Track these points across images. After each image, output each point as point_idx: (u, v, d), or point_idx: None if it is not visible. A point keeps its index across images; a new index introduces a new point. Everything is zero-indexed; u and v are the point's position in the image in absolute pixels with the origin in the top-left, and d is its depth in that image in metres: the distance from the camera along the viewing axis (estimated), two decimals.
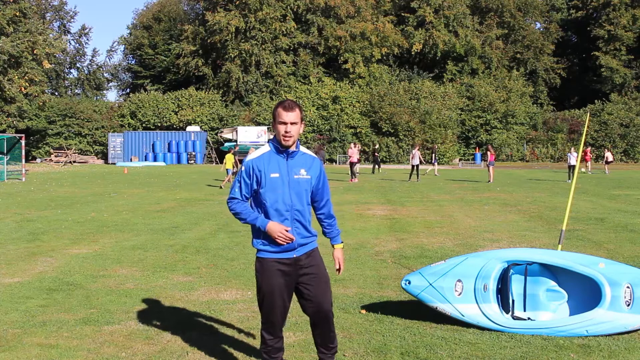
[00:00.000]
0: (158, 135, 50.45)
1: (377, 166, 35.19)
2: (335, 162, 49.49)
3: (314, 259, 3.82)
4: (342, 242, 4.04)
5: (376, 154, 35.89)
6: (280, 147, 3.72)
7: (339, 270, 3.99)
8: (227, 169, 23.23)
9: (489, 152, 26.63)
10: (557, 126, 54.64)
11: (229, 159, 23.34)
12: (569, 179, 26.41)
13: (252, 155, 3.81)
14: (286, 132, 3.64)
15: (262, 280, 3.76)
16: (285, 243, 3.67)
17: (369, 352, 4.66)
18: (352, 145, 27.87)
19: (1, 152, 28.24)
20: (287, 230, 3.66)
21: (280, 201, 3.69)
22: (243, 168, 3.78)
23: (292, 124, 3.64)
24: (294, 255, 3.73)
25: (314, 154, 3.92)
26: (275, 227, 3.65)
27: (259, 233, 3.75)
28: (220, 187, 22.08)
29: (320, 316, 3.82)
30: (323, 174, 3.90)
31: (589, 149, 36.75)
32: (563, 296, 5.35)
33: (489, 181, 25.50)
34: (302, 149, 3.85)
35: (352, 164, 25.99)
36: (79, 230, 10.98)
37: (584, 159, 34.51)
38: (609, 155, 34.60)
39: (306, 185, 3.76)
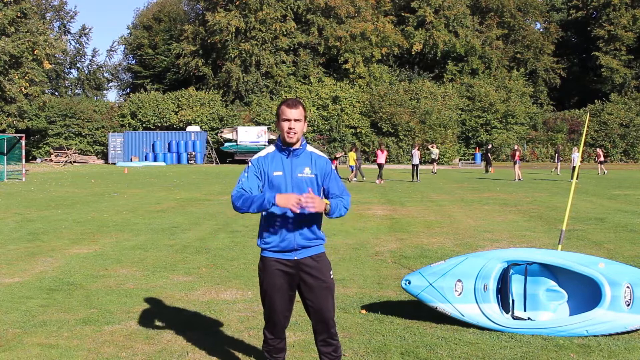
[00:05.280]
0: (158, 135, 50.44)
1: (489, 166, 35.34)
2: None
3: (320, 264, 3.74)
4: (329, 206, 3.62)
5: (489, 153, 36.19)
6: (284, 146, 3.68)
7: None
8: (350, 166, 26.19)
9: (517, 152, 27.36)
10: (557, 126, 54.63)
11: (352, 156, 25.95)
12: (572, 178, 26.47)
13: (257, 154, 3.79)
14: (290, 128, 3.61)
15: (264, 280, 3.74)
16: (301, 208, 3.39)
17: (369, 352, 4.66)
18: (379, 148, 28.03)
19: (1, 152, 28.23)
20: (300, 199, 3.42)
21: None
22: (248, 166, 3.77)
23: (295, 120, 3.61)
24: (295, 257, 3.67)
25: (322, 153, 3.84)
26: (286, 198, 3.44)
27: (262, 232, 3.71)
28: (348, 181, 25.43)
29: (320, 323, 3.77)
30: (331, 171, 3.79)
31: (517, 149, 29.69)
32: (563, 296, 5.35)
33: (520, 179, 26.14)
34: (309, 148, 3.79)
35: (380, 166, 26.24)
36: (79, 230, 10.98)
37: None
38: (600, 154, 34.26)
39: (310, 183, 3.68)
